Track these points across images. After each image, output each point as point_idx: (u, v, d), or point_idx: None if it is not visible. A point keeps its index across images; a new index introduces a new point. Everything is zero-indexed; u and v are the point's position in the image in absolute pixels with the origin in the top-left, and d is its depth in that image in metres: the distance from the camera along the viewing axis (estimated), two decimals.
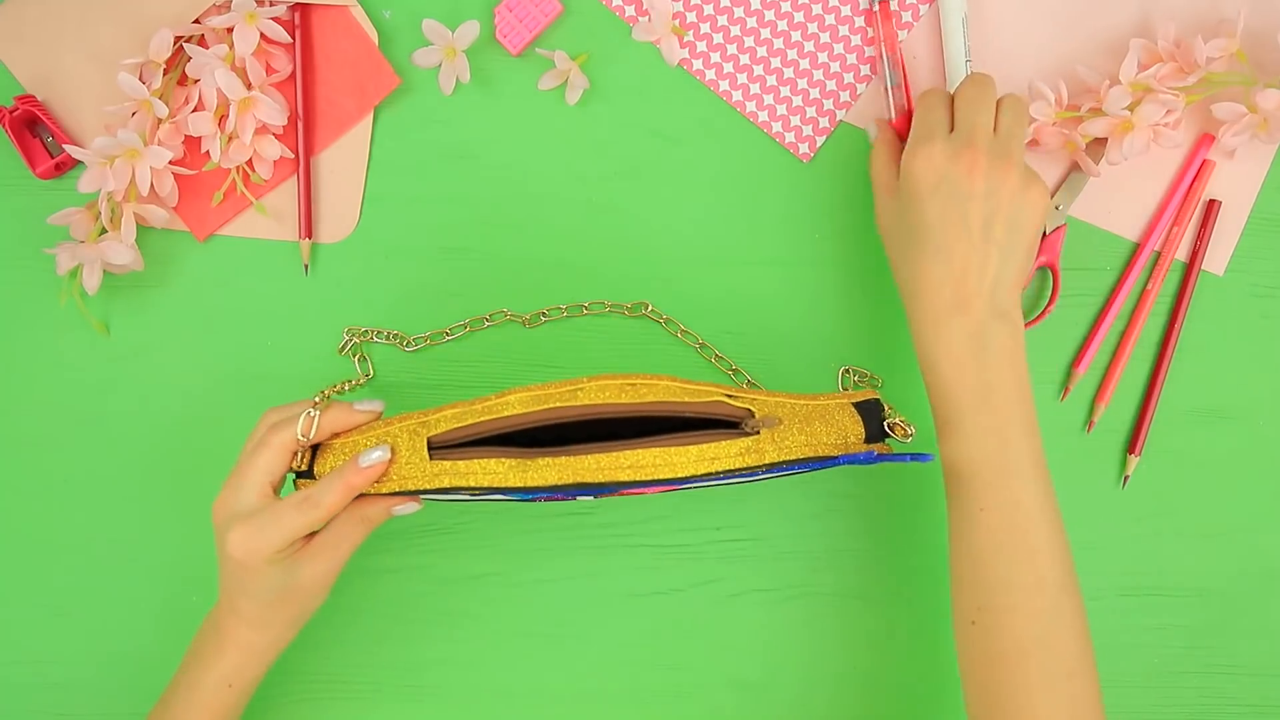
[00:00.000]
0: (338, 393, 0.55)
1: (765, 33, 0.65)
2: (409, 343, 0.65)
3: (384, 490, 0.53)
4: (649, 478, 0.51)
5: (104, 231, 0.62)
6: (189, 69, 0.62)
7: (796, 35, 0.65)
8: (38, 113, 0.63)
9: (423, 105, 0.66)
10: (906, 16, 0.65)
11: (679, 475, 0.51)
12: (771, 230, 0.66)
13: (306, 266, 0.65)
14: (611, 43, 0.66)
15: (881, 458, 0.53)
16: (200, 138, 0.63)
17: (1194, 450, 0.66)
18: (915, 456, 0.53)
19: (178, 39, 0.62)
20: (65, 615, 0.65)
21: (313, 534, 0.54)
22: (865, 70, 0.65)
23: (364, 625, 0.65)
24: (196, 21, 0.63)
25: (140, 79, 0.62)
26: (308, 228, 0.65)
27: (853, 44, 0.65)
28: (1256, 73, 0.62)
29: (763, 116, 0.66)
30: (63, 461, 0.65)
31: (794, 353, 0.66)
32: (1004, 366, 0.54)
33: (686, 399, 0.52)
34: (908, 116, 0.63)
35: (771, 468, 0.52)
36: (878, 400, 0.56)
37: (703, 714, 0.65)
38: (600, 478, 0.51)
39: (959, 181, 0.54)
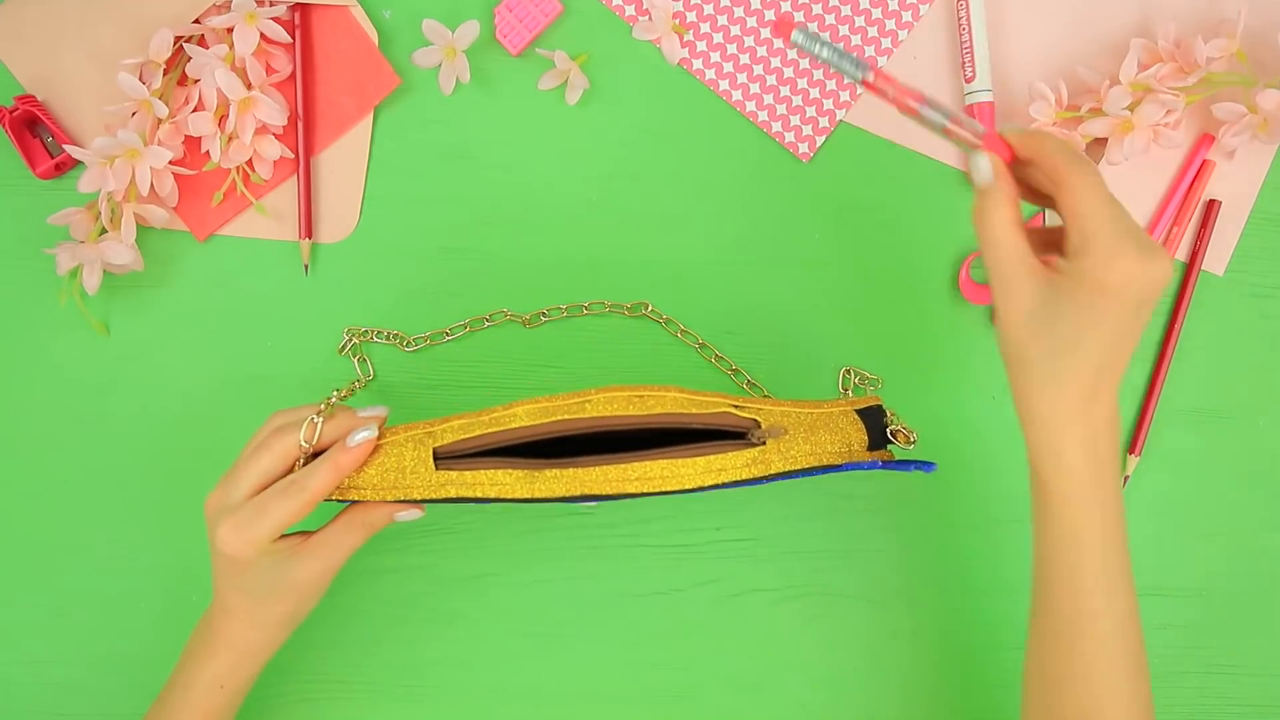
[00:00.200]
0: (344, 396, 0.54)
1: (765, 33, 0.65)
2: (409, 343, 0.65)
3: (388, 498, 0.53)
4: (656, 490, 0.51)
5: (104, 231, 0.62)
6: (189, 69, 0.62)
7: None
8: (38, 113, 0.63)
9: (423, 105, 0.66)
10: (907, 16, 0.65)
11: (686, 487, 0.51)
12: (771, 230, 0.66)
13: (306, 266, 0.65)
14: (611, 43, 0.66)
15: (887, 465, 0.53)
16: (200, 138, 0.63)
17: (1194, 450, 0.66)
18: (920, 465, 0.53)
19: (178, 39, 0.62)
20: (65, 615, 0.65)
21: (311, 533, 0.54)
22: None
23: (363, 625, 0.65)
24: (196, 21, 0.63)
25: (140, 79, 0.62)
26: (308, 228, 0.65)
27: (853, 44, 0.65)
28: (1256, 73, 0.62)
29: (763, 116, 0.66)
30: (63, 461, 0.65)
31: (794, 353, 0.66)
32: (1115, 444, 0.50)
33: (693, 410, 0.52)
34: (1004, 152, 0.49)
35: (776, 477, 0.52)
36: (880, 406, 0.56)
37: (703, 714, 0.65)
38: (608, 489, 0.51)
39: (1157, 295, 0.47)
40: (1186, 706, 0.65)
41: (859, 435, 0.54)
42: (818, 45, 0.47)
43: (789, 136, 0.66)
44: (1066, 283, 0.46)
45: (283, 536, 0.52)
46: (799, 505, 0.65)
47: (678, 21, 0.65)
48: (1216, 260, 0.66)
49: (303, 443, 0.52)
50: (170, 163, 0.62)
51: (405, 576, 0.65)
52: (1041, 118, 0.62)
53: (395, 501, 0.53)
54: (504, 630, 0.65)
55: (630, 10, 0.65)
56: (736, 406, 0.53)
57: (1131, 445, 0.65)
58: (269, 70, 0.64)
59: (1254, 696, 0.66)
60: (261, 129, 0.63)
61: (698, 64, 0.66)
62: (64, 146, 0.61)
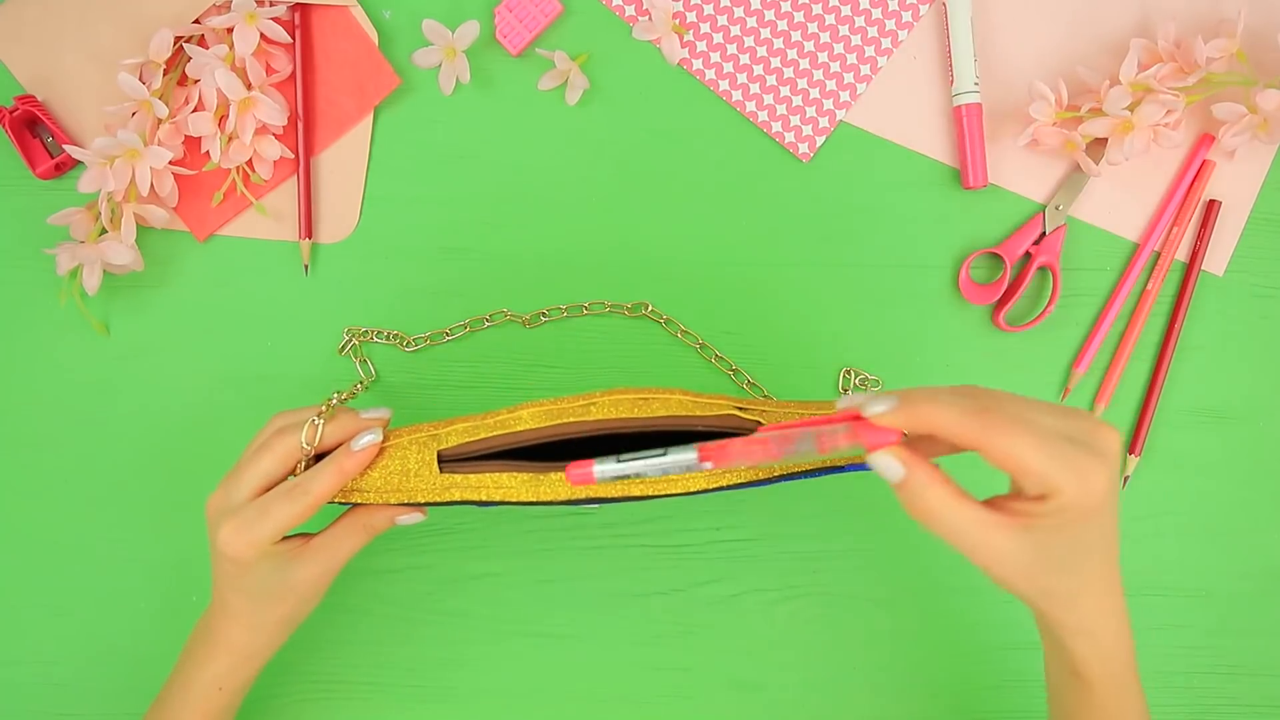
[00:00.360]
0: (348, 397, 0.54)
1: (765, 33, 0.65)
2: (409, 343, 0.65)
3: (391, 501, 0.53)
4: (660, 493, 0.51)
5: (104, 231, 0.62)
6: (189, 69, 0.62)
7: (796, 35, 0.65)
8: (38, 113, 0.63)
9: (423, 105, 0.66)
10: (907, 16, 0.65)
11: (690, 490, 0.51)
12: (771, 230, 0.66)
13: (306, 267, 0.65)
14: (611, 43, 0.66)
15: None
16: (200, 138, 0.63)
17: (1194, 450, 0.66)
18: None
19: (178, 39, 0.62)
20: (65, 615, 0.65)
21: (311, 535, 0.54)
22: (865, 70, 0.65)
23: (365, 626, 0.65)
24: (196, 21, 0.63)
25: (140, 79, 0.62)
26: (308, 228, 0.65)
27: (853, 44, 0.65)
28: (1256, 73, 0.62)
29: (763, 116, 0.66)
30: (63, 461, 0.65)
31: (794, 353, 0.66)
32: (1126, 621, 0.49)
33: (698, 412, 0.52)
34: (893, 436, 0.43)
35: (780, 479, 0.52)
36: None
37: (703, 714, 0.65)
38: (613, 493, 0.51)
39: (1120, 467, 0.46)
40: (1187, 706, 0.65)
41: None
42: (630, 466, 0.44)
43: (789, 136, 0.66)
44: (1049, 523, 0.43)
45: (284, 539, 0.52)
46: (799, 505, 0.65)
47: (678, 21, 0.65)
48: (1216, 260, 0.66)
49: (304, 444, 0.51)
50: (170, 163, 0.62)
51: (407, 577, 0.65)
52: (1041, 117, 0.62)
53: (397, 504, 0.53)
54: (505, 630, 0.65)
55: (630, 10, 0.65)
56: (741, 409, 0.53)
57: (1131, 445, 0.65)
58: (269, 70, 0.64)
59: (1254, 696, 0.66)
60: (261, 129, 0.63)
61: (698, 64, 0.66)
62: (64, 146, 0.61)
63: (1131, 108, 0.61)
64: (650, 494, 0.51)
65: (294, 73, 0.64)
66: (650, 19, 0.64)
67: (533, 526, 0.65)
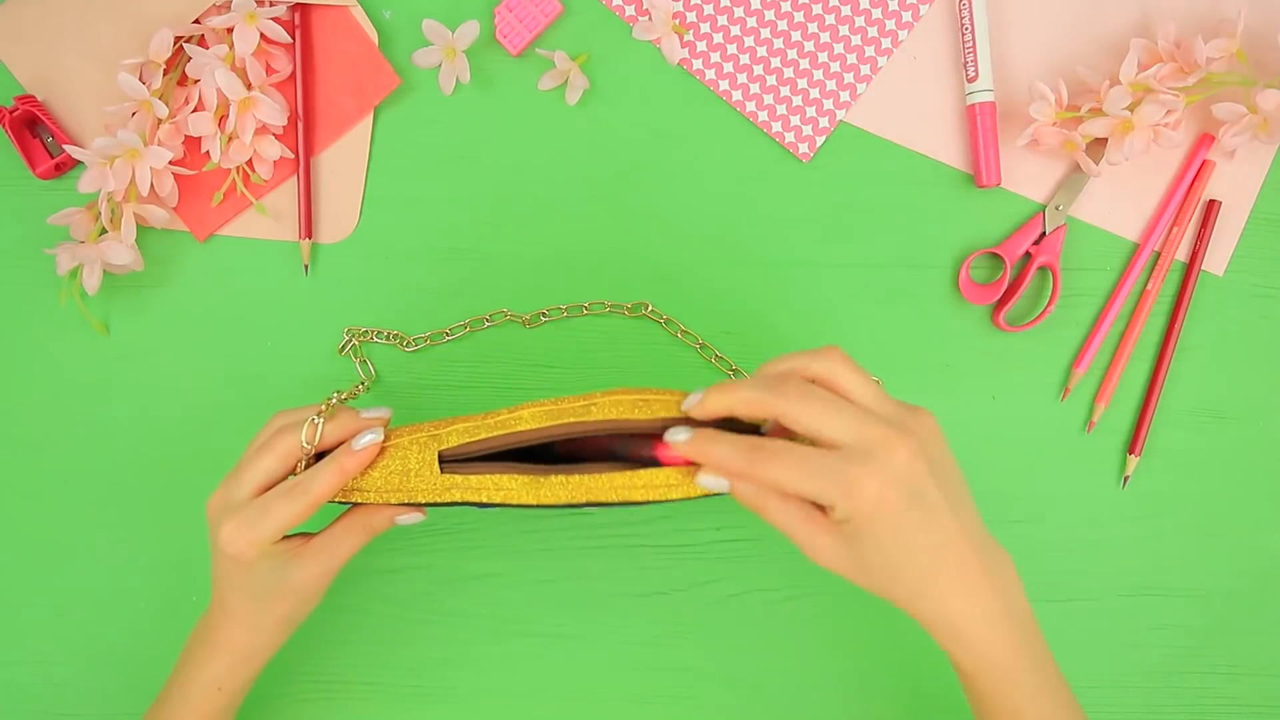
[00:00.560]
0: (348, 397, 0.54)
1: (765, 33, 0.65)
2: (409, 343, 0.65)
3: (391, 501, 0.53)
4: (662, 498, 0.51)
5: (104, 231, 0.62)
6: (189, 69, 0.62)
7: (796, 35, 0.65)
8: (38, 113, 0.63)
9: (423, 105, 0.66)
10: (907, 16, 0.65)
11: (692, 495, 0.51)
12: (771, 230, 0.66)
13: (306, 267, 0.65)
14: (611, 43, 0.66)
15: None
16: (200, 138, 0.63)
17: (1194, 450, 0.66)
18: None
19: (178, 39, 0.62)
20: (65, 615, 0.65)
21: (311, 535, 0.54)
22: (865, 70, 0.65)
23: (365, 626, 0.65)
24: (196, 21, 0.63)
25: (140, 79, 0.62)
26: (308, 228, 0.65)
27: (853, 44, 0.65)
28: (1256, 73, 0.62)
29: (763, 116, 0.66)
30: (63, 461, 0.65)
31: None
32: (1029, 615, 0.49)
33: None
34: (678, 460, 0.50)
35: None
36: None
37: (703, 714, 0.65)
38: (614, 497, 0.50)
39: (912, 479, 0.45)
40: (1186, 706, 0.65)
41: None
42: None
43: (789, 136, 0.66)
44: (847, 530, 0.46)
45: (284, 538, 0.52)
46: None
47: (678, 21, 0.65)
48: (1216, 260, 0.66)
49: (304, 444, 0.51)
50: (170, 163, 0.62)
51: (407, 577, 0.65)
52: (1042, 117, 0.62)
53: (397, 504, 0.53)
54: (505, 630, 0.65)
55: (630, 10, 0.65)
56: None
57: (1131, 445, 0.65)
58: (269, 70, 0.64)
59: (1254, 696, 0.66)
60: (261, 129, 0.63)
61: (698, 64, 0.66)
62: (64, 146, 0.61)
63: (1131, 108, 0.61)
64: (651, 499, 0.51)
65: (294, 73, 0.64)
66: (650, 19, 0.64)
67: (533, 526, 0.65)
